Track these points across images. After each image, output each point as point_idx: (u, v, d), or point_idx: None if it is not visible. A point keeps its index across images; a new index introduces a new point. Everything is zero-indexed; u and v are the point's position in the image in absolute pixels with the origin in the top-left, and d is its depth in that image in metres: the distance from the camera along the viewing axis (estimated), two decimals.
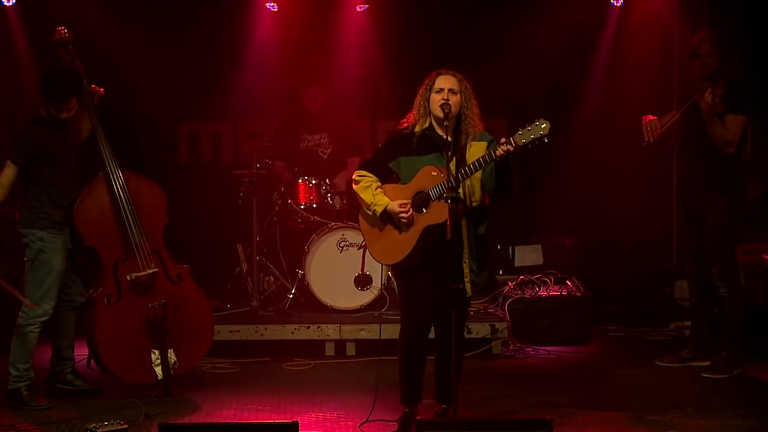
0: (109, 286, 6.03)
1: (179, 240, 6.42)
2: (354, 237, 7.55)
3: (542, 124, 4.89)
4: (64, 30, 6.09)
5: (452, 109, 5.07)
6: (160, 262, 6.11)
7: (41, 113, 5.91)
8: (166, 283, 6.11)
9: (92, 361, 6.67)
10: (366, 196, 5.23)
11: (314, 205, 7.97)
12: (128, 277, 5.99)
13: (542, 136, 4.89)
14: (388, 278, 7.36)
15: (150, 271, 6.02)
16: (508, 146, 4.89)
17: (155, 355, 5.95)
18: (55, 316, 5.98)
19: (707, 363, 6.63)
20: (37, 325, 5.86)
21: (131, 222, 6.00)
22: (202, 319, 6.24)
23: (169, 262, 6.16)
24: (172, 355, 5.99)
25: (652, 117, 6.60)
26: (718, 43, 6.45)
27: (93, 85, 6.10)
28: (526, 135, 4.91)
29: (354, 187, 5.31)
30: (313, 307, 7.68)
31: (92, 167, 6.13)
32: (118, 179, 6.02)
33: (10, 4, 8.28)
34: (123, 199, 6.01)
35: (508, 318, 7.39)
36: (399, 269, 5.30)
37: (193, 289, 6.23)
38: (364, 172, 5.30)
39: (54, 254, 5.86)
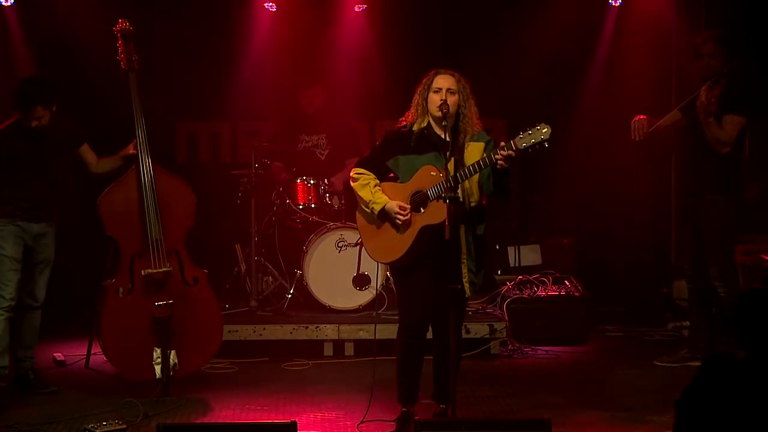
0: (124, 277, 6.05)
1: None
2: (352, 237, 7.54)
3: (543, 129, 4.87)
4: (125, 22, 6.23)
5: (450, 109, 5.06)
6: (178, 263, 6.13)
7: (20, 120, 5.99)
8: (180, 285, 6.12)
9: (90, 361, 6.70)
10: (364, 193, 5.23)
11: (313, 206, 7.97)
12: (143, 272, 6.01)
13: (543, 141, 4.87)
14: (387, 278, 7.37)
15: (163, 270, 6.04)
16: (509, 152, 4.87)
17: (156, 353, 5.95)
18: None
19: None
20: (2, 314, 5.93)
21: (153, 218, 6.02)
22: (210, 325, 6.24)
23: (188, 264, 6.17)
24: (173, 357, 5.97)
25: (642, 117, 6.68)
26: (722, 44, 6.44)
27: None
28: (526, 139, 4.89)
29: (352, 184, 5.31)
30: (311, 307, 7.68)
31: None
32: (148, 175, 6.05)
33: (8, 3, 8.27)
34: (149, 195, 6.04)
35: (506, 318, 7.39)
36: (396, 268, 5.30)
37: (207, 294, 6.24)
38: (361, 170, 5.30)
39: (3, 241, 5.93)
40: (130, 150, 6.17)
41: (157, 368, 5.94)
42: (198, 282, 6.20)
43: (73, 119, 6.28)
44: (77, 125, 6.27)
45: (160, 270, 6.04)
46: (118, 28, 6.21)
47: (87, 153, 6.29)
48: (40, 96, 5.93)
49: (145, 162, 6.09)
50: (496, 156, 4.89)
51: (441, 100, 5.08)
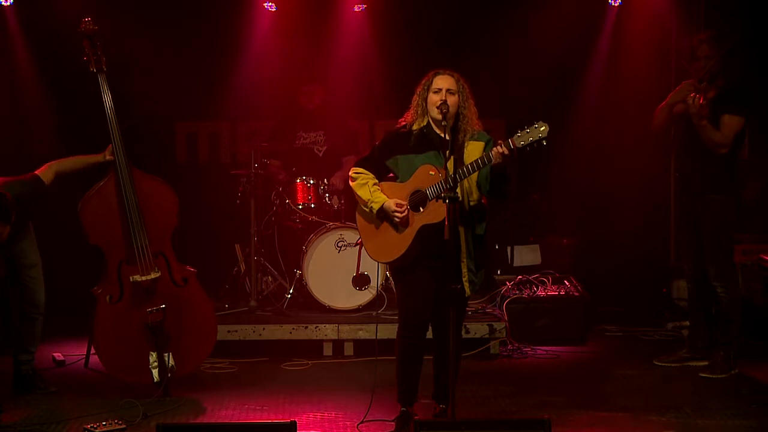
0: (113, 285, 6.02)
1: (177, 240, 6.41)
2: (352, 237, 7.54)
3: (541, 127, 4.87)
4: (89, 21, 6.03)
5: (450, 109, 5.06)
6: (165, 265, 6.09)
7: None
8: (170, 287, 6.09)
9: (89, 361, 6.69)
10: (363, 193, 5.23)
11: (312, 205, 7.97)
12: (131, 279, 5.99)
13: (541, 139, 4.87)
14: (386, 278, 7.37)
15: (152, 276, 6.00)
16: (503, 149, 4.86)
17: (152, 357, 5.94)
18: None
19: (705, 363, 6.63)
20: None
21: (136, 225, 5.97)
22: (204, 324, 6.22)
23: (175, 265, 6.14)
24: (170, 359, 5.97)
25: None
26: (717, 45, 6.44)
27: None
28: (524, 137, 4.89)
29: (351, 183, 5.31)
30: (311, 307, 7.68)
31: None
32: (128, 181, 5.99)
33: (8, 3, 8.27)
34: (131, 202, 5.97)
35: (506, 318, 7.39)
36: (396, 268, 5.30)
37: (198, 293, 6.20)
38: (360, 170, 5.30)
39: None
40: (107, 156, 6.06)
41: (155, 372, 5.93)
42: (188, 282, 6.16)
43: (23, 201, 5.91)
44: (27, 207, 5.95)
45: (149, 277, 5.99)
46: (82, 29, 6.01)
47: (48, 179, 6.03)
48: (3, 210, 5.65)
49: (123, 166, 5.99)
50: (492, 155, 4.88)
51: (441, 100, 5.08)
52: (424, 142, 5.19)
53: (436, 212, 5.02)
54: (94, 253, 6.15)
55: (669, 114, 6.63)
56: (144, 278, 5.98)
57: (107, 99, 6.02)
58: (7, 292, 6.33)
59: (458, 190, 4.97)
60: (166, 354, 5.94)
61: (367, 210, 5.24)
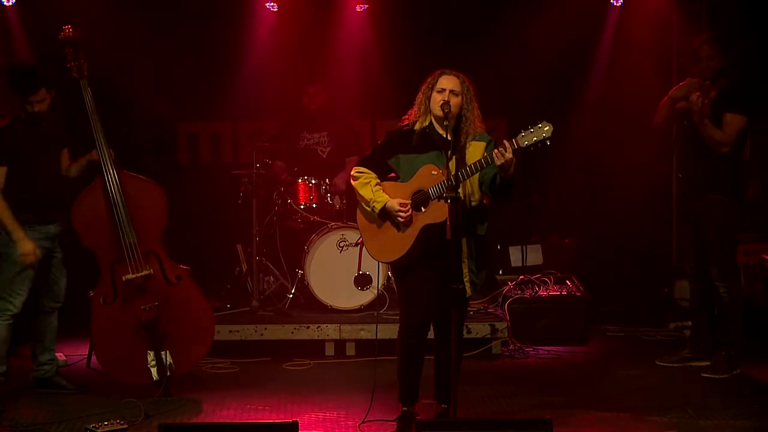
0: (106, 286, 6.05)
1: (179, 241, 6.43)
2: (353, 237, 7.54)
3: (545, 127, 4.86)
4: (69, 29, 6.07)
5: (452, 109, 5.06)
6: (157, 263, 6.09)
7: (19, 114, 5.95)
8: (163, 285, 6.09)
9: (91, 361, 6.69)
10: (365, 192, 5.22)
11: (314, 205, 7.98)
12: (123, 278, 6.00)
13: (545, 139, 4.86)
14: (388, 278, 7.37)
15: (143, 273, 6.01)
16: (501, 149, 4.84)
17: (150, 356, 5.95)
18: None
19: (707, 363, 6.63)
20: (5, 318, 5.88)
21: (123, 223, 5.98)
22: (201, 321, 6.22)
23: (168, 264, 6.14)
24: (167, 357, 5.97)
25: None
26: (718, 45, 6.44)
27: None
28: (528, 137, 4.89)
29: (353, 183, 5.31)
30: (312, 307, 7.68)
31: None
32: (114, 181, 6.01)
33: (10, 3, 8.27)
34: (118, 202, 5.99)
35: (507, 318, 7.39)
36: (398, 267, 5.30)
37: (193, 290, 6.20)
38: (362, 169, 5.30)
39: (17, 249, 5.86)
40: (94, 156, 6.11)
41: (153, 371, 5.95)
42: (181, 279, 6.16)
43: (61, 119, 6.23)
44: (63, 127, 6.22)
45: (140, 274, 6.00)
46: (63, 37, 6.07)
47: (64, 156, 6.24)
48: (45, 78, 5.90)
49: (109, 168, 6.01)
50: (495, 155, 4.87)
51: (443, 100, 5.08)
52: (427, 142, 5.19)
53: (438, 212, 5.02)
54: (91, 255, 6.17)
55: (671, 109, 6.64)
56: (135, 276, 6.00)
57: (90, 103, 6.05)
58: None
59: (460, 190, 4.97)
60: (163, 352, 5.96)
61: (369, 209, 5.24)
